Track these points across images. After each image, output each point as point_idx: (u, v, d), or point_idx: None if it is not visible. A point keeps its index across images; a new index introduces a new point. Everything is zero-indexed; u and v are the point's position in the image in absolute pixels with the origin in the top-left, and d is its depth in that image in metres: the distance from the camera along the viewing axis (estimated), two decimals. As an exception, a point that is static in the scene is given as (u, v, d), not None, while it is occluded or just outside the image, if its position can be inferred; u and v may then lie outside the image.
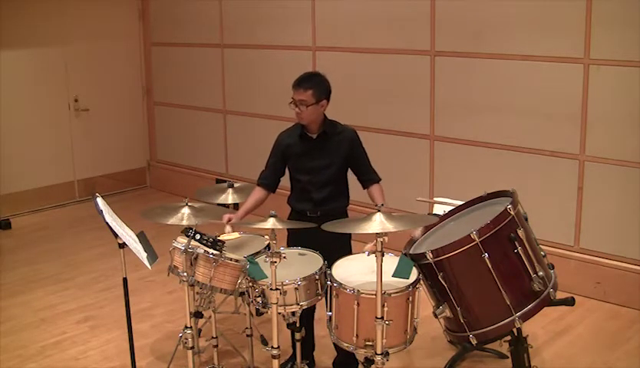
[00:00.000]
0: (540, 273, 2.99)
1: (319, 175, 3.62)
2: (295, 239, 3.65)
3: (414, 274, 3.08)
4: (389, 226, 2.85)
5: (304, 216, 3.65)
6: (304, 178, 3.67)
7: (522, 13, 4.87)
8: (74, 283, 5.28)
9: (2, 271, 5.49)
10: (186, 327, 3.41)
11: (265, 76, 6.59)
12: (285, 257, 3.10)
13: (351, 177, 3.75)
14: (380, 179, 3.72)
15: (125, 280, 3.34)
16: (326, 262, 3.35)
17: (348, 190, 3.75)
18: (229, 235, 3.78)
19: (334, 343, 3.33)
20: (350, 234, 3.62)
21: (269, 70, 6.54)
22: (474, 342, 3.07)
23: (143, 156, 8.04)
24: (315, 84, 3.56)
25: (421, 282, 3.13)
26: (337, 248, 3.47)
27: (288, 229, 3.72)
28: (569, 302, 3.45)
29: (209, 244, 3.29)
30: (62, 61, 7.11)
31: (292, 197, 3.75)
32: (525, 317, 2.98)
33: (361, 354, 3.12)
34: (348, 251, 3.60)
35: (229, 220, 3.63)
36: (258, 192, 3.76)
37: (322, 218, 3.47)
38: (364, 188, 3.73)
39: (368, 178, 3.70)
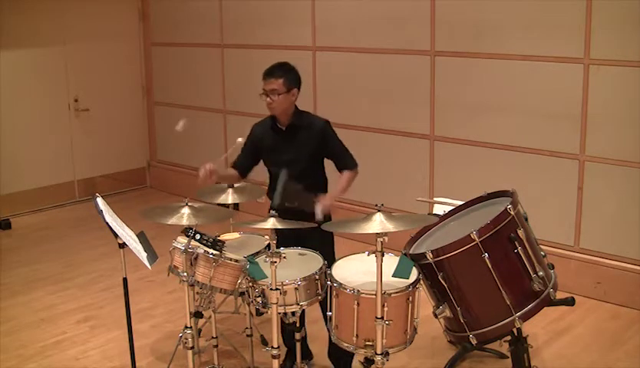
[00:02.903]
0: (540, 273, 2.99)
1: (290, 168, 3.58)
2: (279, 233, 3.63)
3: (414, 274, 3.08)
4: (389, 226, 2.85)
5: (282, 209, 3.64)
6: (277, 171, 3.67)
7: (522, 13, 4.87)
8: (74, 283, 5.28)
9: (2, 271, 5.49)
10: (186, 327, 3.41)
11: (265, 76, 6.58)
12: (285, 257, 3.10)
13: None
14: (356, 165, 3.70)
15: (125, 280, 3.33)
16: (326, 262, 3.36)
17: (325, 180, 3.75)
18: (229, 235, 3.79)
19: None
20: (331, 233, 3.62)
21: (269, 70, 6.53)
22: (474, 342, 3.07)
23: (143, 156, 8.04)
24: (285, 73, 3.58)
25: (421, 282, 3.14)
26: (319, 240, 3.48)
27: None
28: (569, 302, 3.46)
29: (209, 244, 3.30)
30: (62, 61, 7.11)
31: (270, 190, 3.75)
32: (525, 317, 2.98)
33: (361, 354, 3.12)
34: (330, 243, 3.61)
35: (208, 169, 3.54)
36: (233, 171, 3.84)
37: (300, 210, 3.47)
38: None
39: (343, 166, 3.70)
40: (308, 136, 3.63)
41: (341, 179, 3.67)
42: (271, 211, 3.18)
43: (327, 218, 3.57)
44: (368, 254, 3.35)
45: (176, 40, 7.41)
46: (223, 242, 3.34)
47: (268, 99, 3.57)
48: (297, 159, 3.62)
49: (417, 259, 3.08)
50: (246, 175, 3.85)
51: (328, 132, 3.68)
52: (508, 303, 2.96)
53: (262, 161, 3.82)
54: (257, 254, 3.54)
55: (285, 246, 3.41)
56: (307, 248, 3.53)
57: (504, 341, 3.47)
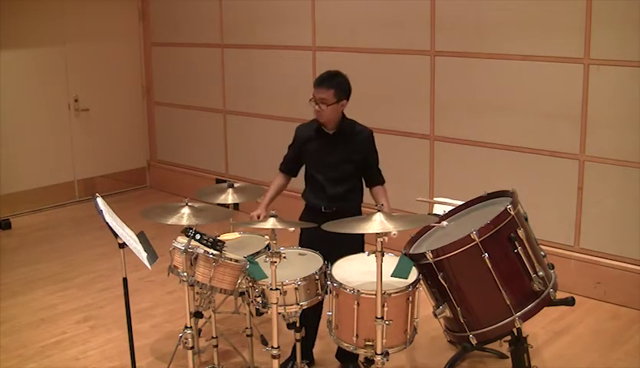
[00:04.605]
0: (540, 273, 2.99)
1: (334, 171, 3.65)
2: (307, 238, 3.67)
3: (414, 273, 3.08)
4: (389, 226, 2.86)
5: (318, 212, 3.66)
6: (319, 173, 3.70)
7: (522, 13, 4.87)
8: (74, 283, 5.28)
9: (2, 271, 5.49)
10: (186, 327, 3.41)
11: (265, 76, 6.59)
12: (285, 257, 3.10)
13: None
14: (384, 181, 3.78)
15: (125, 280, 3.33)
16: (327, 262, 3.36)
17: (362, 187, 3.79)
18: (229, 235, 3.79)
19: None
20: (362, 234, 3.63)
21: (269, 70, 6.54)
22: (474, 342, 3.07)
23: (143, 156, 8.04)
24: (337, 84, 3.59)
25: (421, 282, 3.14)
26: (349, 246, 3.48)
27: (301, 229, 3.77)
28: (569, 302, 3.45)
29: (209, 244, 3.30)
30: (62, 61, 7.11)
31: (307, 192, 3.79)
32: (525, 317, 2.99)
33: (361, 354, 3.12)
34: (360, 250, 3.62)
35: (259, 216, 3.69)
36: (279, 179, 3.89)
37: (337, 214, 3.49)
38: (367, 186, 3.78)
39: (375, 179, 3.76)
40: (354, 143, 3.67)
41: (384, 197, 3.68)
42: (271, 212, 3.19)
43: None
44: (368, 254, 3.36)
45: (176, 40, 7.42)
46: (223, 242, 3.34)
47: (317, 107, 3.59)
48: (343, 162, 3.65)
49: (417, 259, 3.08)
50: (297, 173, 3.90)
51: (372, 142, 3.73)
52: (508, 303, 2.96)
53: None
54: (257, 254, 3.54)
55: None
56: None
57: (504, 341, 3.47)
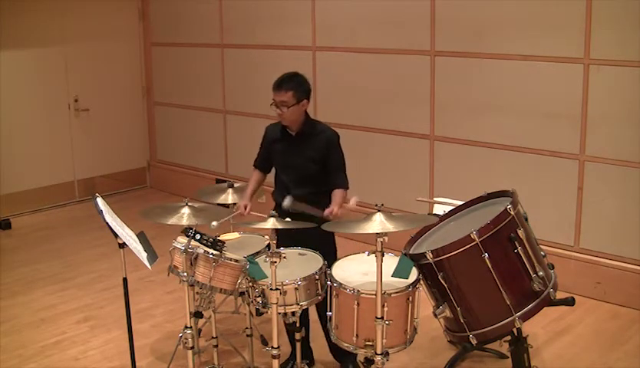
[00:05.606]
0: (540, 273, 2.99)
1: (297, 172, 3.66)
2: (281, 235, 3.64)
3: (414, 273, 3.09)
4: (389, 226, 2.86)
5: (285, 212, 3.65)
6: (283, 174, 3.73)
7: (522, 13, 4.87)
8: (74, 283, 5.28)
9: (2, 271, 5.49)
10: (186, 327, 3.41)
11: (265, 76, 6.56)
12: (285, 257, 3.10)
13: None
14: (347, 187, 3.68)
15: (125, 280, 3.34)
16: (326, 262, 3.36)
17: (329, 190, 3.73)
18: (229, 235, 3.79)
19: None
20: (332, 233, 3.64)
21: (269, 70, 6.51)
22: (474, 342, 3.07)
23: (143, 156, 8.04)
24: (295, 85, 3.60)
25: (421, 282, 3.14)
26: (320, 244, 3.50)
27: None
28: (569, 302, 3.45)
29: (209, 244, 3.30)
30: (62, 61, 7.11)
31: (275, 192, 3.81)
32: (525, 317, 2.99)
33: (361, 354, 3.12)
34: (332, 250, 3.64)
35: (245, 207, 3.73)
36: (256, 174, 3.93)
37: (302, 215, 3.50)
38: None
39: (335, 182, 3.65)
40: (315, 143, 3.65)
41: (335, 199, 3.59)
42: (271, 212, 3.20)
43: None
44: (368, 254, 3.36)
45: (176, 40, 7.42)
46: (223, 242, 3.34)
47: (278, 110, 3.61)
48: (305, 163, 3.65)
49: (417, 259, 3.08)
50: (269, 170, 3.93)
51: (334, 143, 3.69)
52: (508, 303, 2.96)
53: None
54: (257, 254, 3.54)
55: (285, 246, 3.42)
56: (307, 246, 3.54)
57: (504, 341, 3.48)
